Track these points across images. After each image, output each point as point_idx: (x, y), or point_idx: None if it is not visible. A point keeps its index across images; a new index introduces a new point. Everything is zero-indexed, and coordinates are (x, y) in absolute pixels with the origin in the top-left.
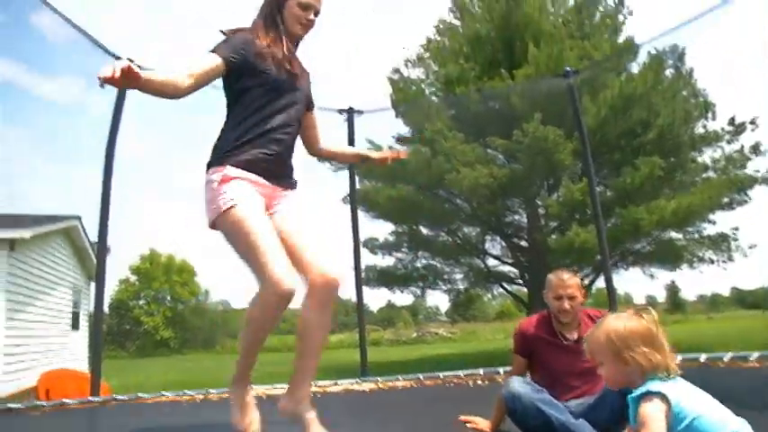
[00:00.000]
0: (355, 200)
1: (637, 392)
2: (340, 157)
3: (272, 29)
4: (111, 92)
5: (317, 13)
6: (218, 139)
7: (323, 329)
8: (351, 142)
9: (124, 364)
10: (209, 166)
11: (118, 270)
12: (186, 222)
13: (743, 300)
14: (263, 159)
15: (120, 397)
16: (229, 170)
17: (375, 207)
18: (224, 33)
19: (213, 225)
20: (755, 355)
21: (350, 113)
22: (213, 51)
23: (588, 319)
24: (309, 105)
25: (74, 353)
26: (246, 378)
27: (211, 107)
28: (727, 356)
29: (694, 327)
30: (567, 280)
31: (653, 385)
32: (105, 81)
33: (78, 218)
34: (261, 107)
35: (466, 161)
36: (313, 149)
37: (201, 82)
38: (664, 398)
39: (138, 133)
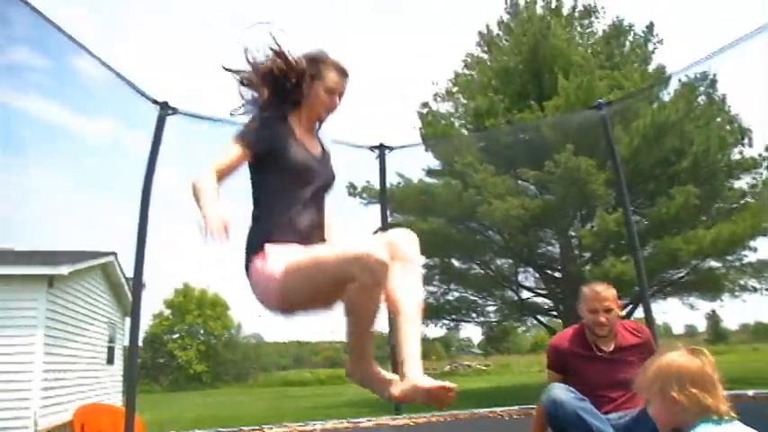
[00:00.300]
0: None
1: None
2: None
3: (297, 108)
4: (149, 130)
5: (341, 95)
6: (250, 236)
7: (413, 291)
8: (383, 177)
9: (157, 398)
10: (248, 264)
11: (152, 304)
12: (219, 256)
13: None
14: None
15: None
16: (267, 248)
17: None
18: (246, 109)
19: (281, 302)
20: None
21: (381, 150)
22: (238, 140)
23: (625, 331)
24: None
25: (108, 387)
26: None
27: None
28: None
29: (739, 358)
30: (602, 292)
31: (705, 428)
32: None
33: (114, 254)
34: (290, 198)
35: (497, 193)
36: None
37: (229, 176)
38: None
39: (172, 166)
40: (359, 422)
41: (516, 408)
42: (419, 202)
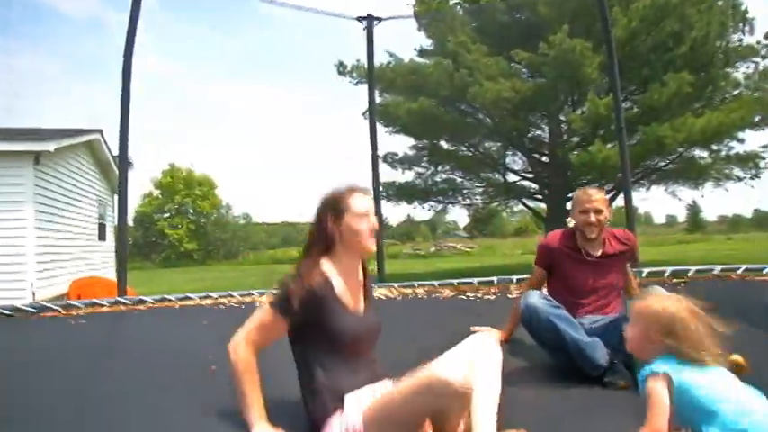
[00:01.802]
0: (374, 113)
1: (645, 370)
2: None
3: (338, 258)
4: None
5: (375, 214)
6: (314, 409)
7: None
8: (370, 50)
9: (150, 274)
10: (316, 425)
11: (141, 185)
12: (207, 137)
13: (764, 221)
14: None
15: (147, 298)
16: (346, 400)
17: (395, 121)
18: (285, 288)
19: None
20: None
21: (369, 21)
22: (274, 307)
23: (613, 239)
24: None
25: (102, 262)
26: None
27: (235, 30)
28: (741, 269)
29: (713, 246)
30: (594, 195)
31: (658, 365)
32: None
33: (100, 131)
34: (344, 367)
35: (489, 74)
36: None
37: (266, 346)
38: (668, 378)
39: (156, 53)
40: None
41: (495, 280)
42: (409, 82)
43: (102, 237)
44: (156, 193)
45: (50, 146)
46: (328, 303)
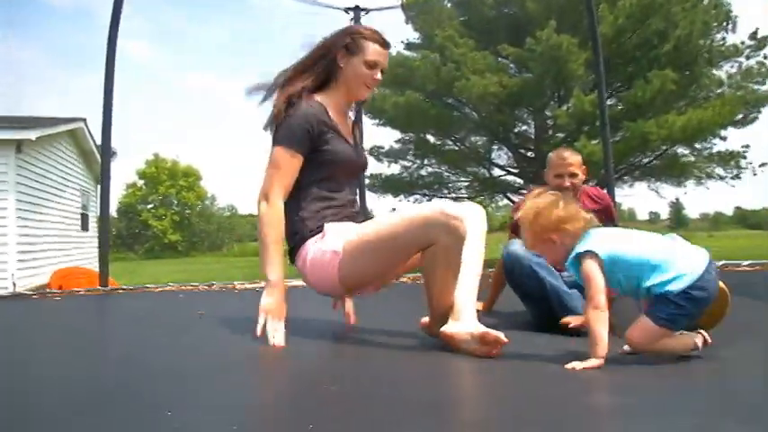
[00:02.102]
0: (360, 105)
1: (571, 257)
2: None
3: (330, 87)
4: None
5: (383, 71)
6: (296, 225)
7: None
8: None
9: (133, 266)
10: (297, 248)
11: (125, 174)
12: (193, 127)
13: (745, 220)
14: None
15: (126, 287)
16: (326, 227)
17: (381, 114)
18: (278, 109)
19: (341, 279)
20: (746, 262)
21: (356, 12)
22: (287, 147)
23: (587, 197)
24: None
25: (84, 253)
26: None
27: (219, 19)
28: (719, 264)
29: (695, 242)
30: (569, 158)
31: (580, 246)
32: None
33: (84, 120)
34: (331, 190)
35: (476, 69)
36: None
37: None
38: (593, 253)
39: (143, 38)
40: None
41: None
42: (396, 75)
43: (84, 227)
44: (140, 183)
45: (32, 134)
46: (328, 129)
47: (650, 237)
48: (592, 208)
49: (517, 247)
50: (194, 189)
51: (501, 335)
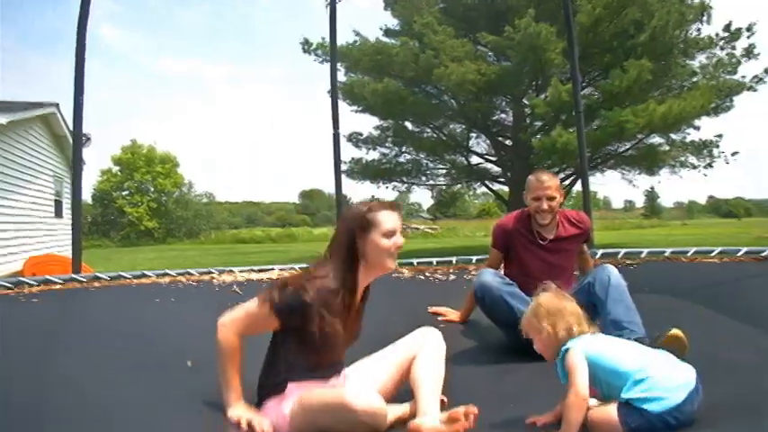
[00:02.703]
0: (336, 92)
1: (561, 351)
2: None
3: (362, 273)
4: None
5: (401, 233)
6: (266, 377)
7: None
8: (333, 26)
9: (109, 252)
10: (260, 400)
11: (100, 160)
12: (170, 113)
13: (719, 208)
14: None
15: (102, 275)
16: (289, 388)
17: (360, 101)
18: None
19: None
20: (717, 250)
21: None
22: (268, 307)
23: (566, 221)
24: None
25: (59, 240)
26: None
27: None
28: (691, 252)
29: (669, 231)
30: (547, 181)
31: (570, 343)
32: None
33: (56, 105)
34: (311, 364)
35: (454, 56)
36: None
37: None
38: (579, 350)
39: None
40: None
41: (454, 261)
42: (375, 62)
43: (58, 214)
44: (116, 169)
45: (3, 119)
46: (323, 321)
47: (642, 350)
48: (573, 233)
49: (488, 277)
50: (171, 176)
51: (470, 407)
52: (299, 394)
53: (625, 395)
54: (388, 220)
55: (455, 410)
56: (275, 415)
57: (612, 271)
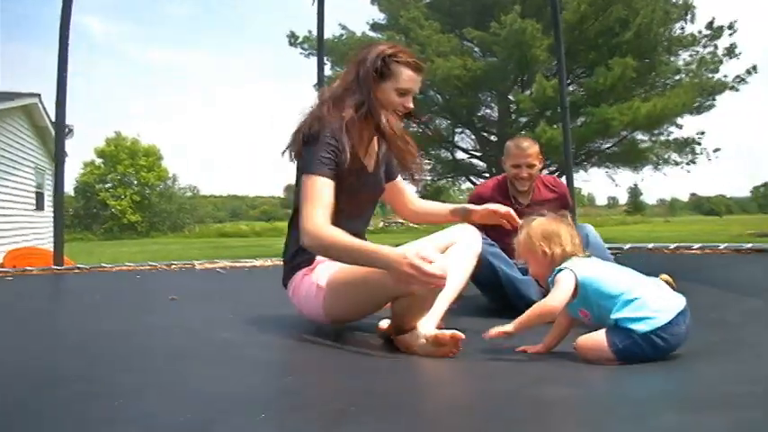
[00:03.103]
0: (323, 85)
1: (553, 274)
2: (437, 217)
3: (363, 121)
4: None
5: (415, 96)
6: (292, 246)
7: None
8: (320, 19)
9: (92, 246)
10: (290, 273)
11: (83, 153)
12: (155, 105)
13: (700, 206)
14: None
15: (82, 266)
16: (317, 261)
17: None
18: (307, 130)
19: (325, 315)
20: (697, 246)
21: None
22: (319, 173)
23: (543, 186)
24: (391, 176)
25: (40, 233)
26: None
27: None
28: (672, 246)
29: (652, 228)
30: (527, 149)
31: (564, 264)
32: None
33: (38, 95)
34: (335, 212)
35: (440, 51)
36: (404, 213)
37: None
38: (571, 272)
39: (97, 13)
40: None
41: None
42: None
43: (40, 206)
44: (99, 161)
45: None
46: (353, 160)
47: (633, 274)
48: (548, 197)
49: None
50: (154, 169)
51: (456, 333)
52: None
53: (614, 315)
54: (408, 78)
55: (442, 333)
56: (307, 288)
57: (591, 229)
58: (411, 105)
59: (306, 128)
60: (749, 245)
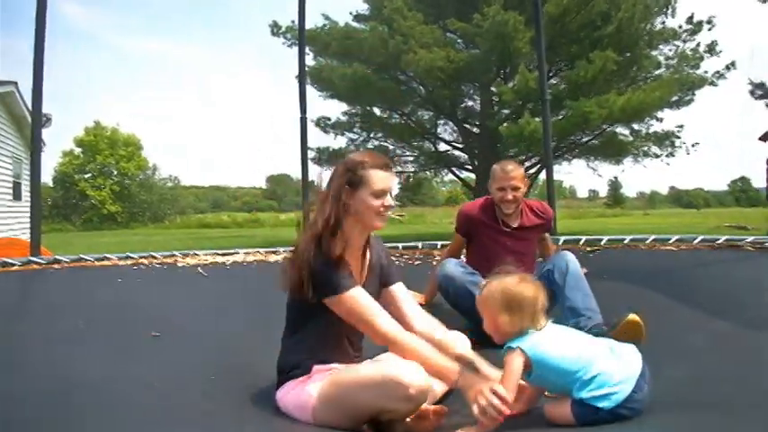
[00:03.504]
0: (304, 76)
1: (506, 346)
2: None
3: (347, 232)
4: None
5: (392, 195)
6: (287, 357)
7: None
8: (302, 15)
9: (71, 236)
10: (280, 382)
11: (62, 142)
12: (135, 95)
13: (679, 199)
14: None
15: (62, 258)
16: (314, 369)
17: (329, 86)
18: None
19: (316, 423)
20: (674, 238)
21: None
22: (345, 289)
23: (530, 211)
24: (386, 283)
25: (18, 223)
26: None
27: None
28: (649, 239)
29: (631, 221)
30: (511, 172)
31: (515, 342)
32: None
33: (15, 83)
34: (332, 336)
35: (423, 43)
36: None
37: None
38: (522, 351)
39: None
40: (271, 251)
41: (420, 245)
42: (344, 46)
43: (17, 196)
44: (78, 151)
45: None
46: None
47: (586, 345)
48: (536, 222)
49: (452, 267)
50: (135, 159)
51: (441, 407)
52: (333, 373)
53: (577, 395)
54: (380, 179)
55: (424, 407)
56: (298, 397)
57: (571, 258)
58: (391, 203)
59: (312, 258)
60: (723, 238)
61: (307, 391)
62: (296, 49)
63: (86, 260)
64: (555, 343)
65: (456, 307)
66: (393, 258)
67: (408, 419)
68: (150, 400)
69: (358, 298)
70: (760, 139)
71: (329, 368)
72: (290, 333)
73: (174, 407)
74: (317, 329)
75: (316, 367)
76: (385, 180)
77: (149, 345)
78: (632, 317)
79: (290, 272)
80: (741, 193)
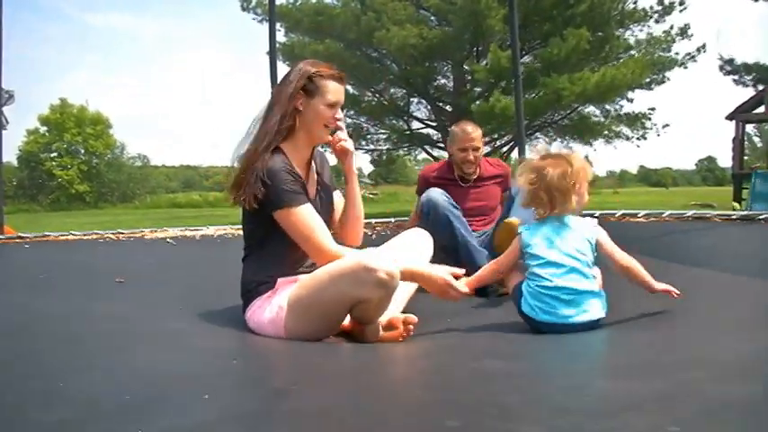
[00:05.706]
0: (275, 52)
1: (520, 227)
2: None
3: (295, 142)
4: None
5: (342, 108)
6: (248, 275)
7: None
8: None
9: (38, 217)
10: (248, 302)
11: (27, 120)
12: (102, 72)
13: (648, 178)
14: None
15: (25, 235)
16: (278, 282)
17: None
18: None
19: (288, 334)
20: (642, 213)
21: None
22: (298, 202)
23: (486, 164)
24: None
25: None
26: None
27: None
28: (619, 213)
29: (601, 199)
30: (472, 132)
31: (525, 229)
32: None
33: None
34: (289, 244)
35: (396, 19)
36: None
37: None
38: (521, 238)
39: None
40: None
41: (392, 221)
42: (315, 23)
43: None
44: (43, 129)
45: None
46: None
47: (565, 246)
48: (493, 172)
49: (436, 194)
50: (103, 137)
51: (410, 317)
52: (301, 279)
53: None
54: (334, 90)
55: (395, 317)
56: (268, 311)
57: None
58: (340, 116)
59: (259, 168)
60: (691, 212)
61: (275, 303)
62: (266, 24)
63: (50, 235)
64: (544, 236)
65: (433, 235)
66: (366, 232)
67: (381, 330)
68: (118, 328)
69: (302, 213)
70: (727, 118)
71: (294, 278)
72: (250, 251)
73: (145, 334)
74: (278, 244)
75: (280, 280)
76: (338, 92)
77: (115, 288)
78: (509, 220)
79: (242, 184)
80: (708, 172)
